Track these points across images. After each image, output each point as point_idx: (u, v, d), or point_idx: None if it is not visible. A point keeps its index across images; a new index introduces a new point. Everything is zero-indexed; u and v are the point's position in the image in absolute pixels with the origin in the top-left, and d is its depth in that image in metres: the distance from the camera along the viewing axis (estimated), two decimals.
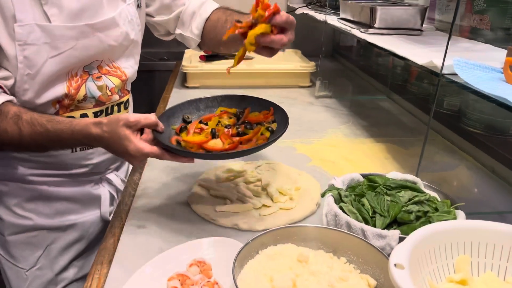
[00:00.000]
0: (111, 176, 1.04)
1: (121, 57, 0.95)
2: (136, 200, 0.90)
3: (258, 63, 1.75)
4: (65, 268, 0.96)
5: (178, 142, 0.79)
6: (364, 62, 2.04)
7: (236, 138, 0.77)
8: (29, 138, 0.77)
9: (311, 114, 1.48)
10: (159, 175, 1.00)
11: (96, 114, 0.94)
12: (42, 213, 0.93)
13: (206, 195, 0.90)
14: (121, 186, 1.04)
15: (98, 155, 0.97)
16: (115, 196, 1.04)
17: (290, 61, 1.83)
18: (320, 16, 1.61)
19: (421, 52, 0.94)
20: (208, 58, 1.79)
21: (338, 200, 0.74)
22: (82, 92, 0.90)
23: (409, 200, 0.72)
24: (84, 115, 0.92)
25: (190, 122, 0.85)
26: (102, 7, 0.87)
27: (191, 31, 1.04)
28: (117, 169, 1.07)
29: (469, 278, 0.58)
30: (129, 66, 0.99)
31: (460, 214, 0.69)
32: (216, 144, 0.77)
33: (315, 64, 1.74)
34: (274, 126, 0.83)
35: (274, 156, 1.10)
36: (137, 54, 1.01)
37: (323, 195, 0.75)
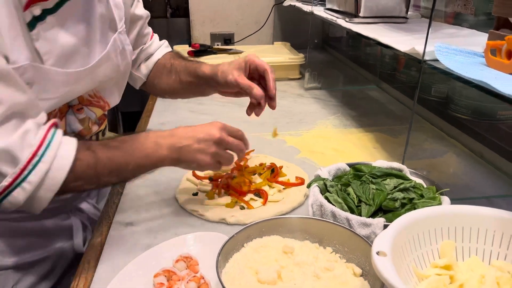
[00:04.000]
0: (83, 205, 0.94)
1: (106, 88, 0.87)
2: (124, 198, 0.90)
3: None
4: None
5: None
6: (353, 52, 2.03)
7: None
8: (106, 159, 0.68)
9: (301, 106, 1.47)
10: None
11: None
12: (5, 251, 0.81)
13: (194, 190, 0.90)
14: (94, 215, 0.95)
15: None
16: (88, 225, 0.94)
17: (279, 53, 1.82)
18: (307, 8, 1.60)
19: (405, 40, 0.93)
20: (196, 53, 1.78)
21: (324, 190, 0.74)
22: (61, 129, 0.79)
23: (395, 187, 0.72)
24: None
25: None
26: (95, 42, 0.78)
27: (140, 69, 1.03)
28: (88, 195, 0.98)
29: (454, 263, 0.58)
30: (114, 97, 0.91)
31: (445, 199, 0.69)
32: None
33: (304, 56, 1.74)
34: None
35: (264, 149, 1.10)
36: (124, 84, 0.94)
37: (308, 185, 0.75)
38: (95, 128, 0.88)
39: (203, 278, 0.63)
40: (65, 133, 0.75)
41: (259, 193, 0.88)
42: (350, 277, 0.59)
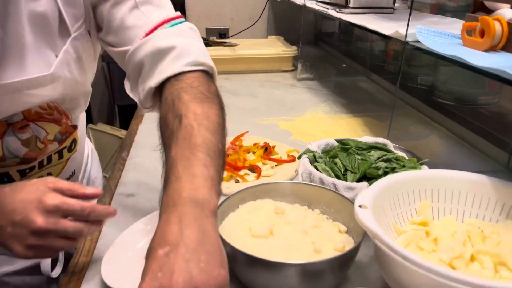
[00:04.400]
0: None
1: (64, 100, 0.72)
2: (125, 174, 0.95)
3: (241, 49, 1.80)
4: None
5: None
6: (345, 47, 2.09)
7: None
8: None
9: (293, 95, 1.53)
10: (148, 152, 1.04)
11: (23, 172, 0.72)
12: None
13: None
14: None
15: None
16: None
17: (272, 46, 1.88)
18: (300, 1, 1.66)
19: (390, 26, 0.99)
20: None
21: (313, 161, 0.79)
22: None
23: (378, 158, 0.78)
24: (4, 175, 0.70)
25: None
26: (23, 50, 0.60)
27: (137, 92, 0.67)
28: None
29: (430, 221, 0.64)
30: (75, 106, 0.75)
31: (425, 168, 0.75)
32: None
33: (297, 49, 1.80)
34: None
35: (257, 133, 1.15)
36: (88, 93, 0.78)
37: (299, 157, 0.81)
38: (52, 147, 0.74)
39: None
40: (4, 158, 0.66)
41: (253, 168, 0.93)
42: (335, 234, 0.64)
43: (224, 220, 0.65)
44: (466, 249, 0.57)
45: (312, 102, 1.44)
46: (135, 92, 0.68)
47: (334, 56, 2.15)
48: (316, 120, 1.26)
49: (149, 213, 0.77)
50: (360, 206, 0.57)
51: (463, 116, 1.14)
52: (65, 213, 0.54)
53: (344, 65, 1.94)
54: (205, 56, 0.65)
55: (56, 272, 0.76)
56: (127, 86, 0.69)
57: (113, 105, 2.61)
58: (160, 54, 0.62)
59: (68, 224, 0.54)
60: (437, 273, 0.46)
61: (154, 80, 0.62)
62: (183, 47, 0.63)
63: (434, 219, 0.66)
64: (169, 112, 0.57)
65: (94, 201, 0.74)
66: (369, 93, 1.57)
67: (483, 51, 0.70)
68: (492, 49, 0.70)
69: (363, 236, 0.58)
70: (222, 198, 0.69)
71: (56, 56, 0.64)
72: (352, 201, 0.66)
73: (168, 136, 0.55)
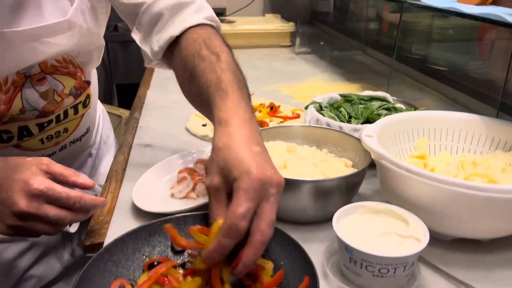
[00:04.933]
0: None
1: (79, 51, 0.74)
2: (140, 129, 1.01)
3: (240, 24, 1.86)
4: (20, 281, 0.79)
5: None
6: (340, 24, 2.15)
7: None
8: None
9: (292, 66, 1.59)
10: (158, 113, 1.10)
11: (41, 126, 0.75)
12: None
13: (203, 122, 1.01)
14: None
15: None
16: None
17: (270, 23, 1.93)
18: None
19: None
20: None
21: (319, 110, 0.86)
22: (17, 106, 0.68)
23: (379, 107, 0.85)
24: (24, 128, 0.72)
25: (181, 251, 0.56)
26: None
27: (150, 42, 0.68)
28: (80, 167, 0.91)
29: (427, 154, 0.71)
30: (91, 60, 0.78)
31: None
32: None
33: (295, 24, 1.85)
34: None
35: (261, 96, 1.21)
36: (101, 47, 0.80)
37: (306, 107, 0.87)
38: (69, 101, 0.76)
39: None
40: (23, 110, 0.67)
41: (261, 124, 0.99)
42: (342, 167, 0.71)
43: None
44: (460, 172, 0.64)
45: (311, 72, 1.51)
46: (147, 43, 0.69)
47: (330, 34, 2.21)
48: (316, 86, 1.33)
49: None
50: (366, 136, 0.64)
51: (455, 80, 1.21)
52: (50, 199, 0.53)
53: (339, 41, 2.01)
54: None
55: (74, 228, 0.81)
56: (136, 37, 0.70)
57: (112, 84, 2.64)
58: (180, 6, 0.67)
59: (51, 210, 0.53)
60: (438, 180, 0.53)
61: (176, 29, 0.65)
62: (201, 3, 0.69)
63: (430, 155, 0.73)
64: (202, 49, 0.60)
65: (104, 175, 0.82)
66: (365, 65, 1.64)
67: (475, 4, 0.77)
68: (483, 3, 0.77)
69: (367, 164, 0.65)
70: None
71: (71, 5, 0.67)
72: (357, 138, 0.73)
73: (207, 66, 0.58)
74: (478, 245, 0.60)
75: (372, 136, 0.64)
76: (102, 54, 0.83)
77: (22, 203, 0.51)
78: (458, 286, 0.54)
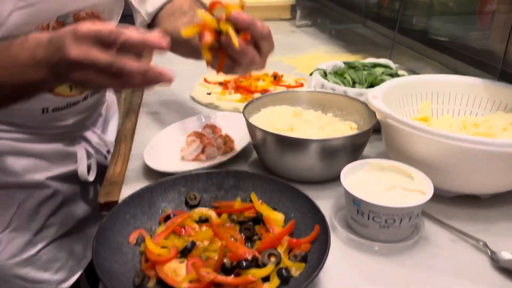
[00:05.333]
0: (88, 133, 0.91)
1: (104, 7, 0.78)
2: (146, 97, 1.02)
3: None
4: (42, 227, 0.84)
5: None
6: None
7: (210, 277, 0.44)
8: None
9: (293, 39, 1.59)
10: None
11: None
12: (9, 170, 0.80)
13: (208, 90, 1.02)
14: (98, 144, 0.92)
15: (72, 116, 0.84)
16: (93, 153, 0.90)
17: None
18: None
19: None
20: None
21: (323, 77, 0.87)
22: None
23: (382, 73, 0.86)
24: None
25: (195, 206, 0.58)
26: None
27: (144, 6, 0.82)
28: (93, 124, 0.95)
29: (430, 117, 0.73)
30: (110, 18, 0.81)
31: None
32: (176, 271, 0.47)
33: None
34: (296, 266, 0.48)
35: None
36: (121, 7, 0.85)
37: (310, 74, 0.89)
38: None
39: (228, 136, 0.77)
40: None
41: (266, 91, 1.01)
42: (347, 130, 0.73)
43: (250, 119, 0.73)
44: (462, 132, 0.66)
45: (312, 44, 1.51)
46: (142, 5, 0.83)
47: (330, 8, 2.20)
48: (318, 57, 1.34)
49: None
50: (373, 97, 0.66)
51: (456, 51, 1.22)
52: (97, 39, 0.50)
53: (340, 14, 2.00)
54: None
55: (92, 177, 0.84)
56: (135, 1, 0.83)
57: None
58: None
59: (101, 55, 0.50)
60: (442, 135, 0.55)
61: None
62: None
63: (433, 118, 0.75)
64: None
65: (111, 139, 0.96)
66: (366, 38, 1.64)
67: None
68: None
69: (372, 126, 0.67)
70: (241, 115, 0.78)
71: None
72: (361, 101, 0.74)
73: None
74: (479, 201, 0.63)
75: (378, 97, 0.66)
76: (120, 16, 0.85)
77: (72, 50, 0.50)
78: (460, 237, 0.56)
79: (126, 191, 0.64)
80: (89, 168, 0.88)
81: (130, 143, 0.81)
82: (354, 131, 0.73)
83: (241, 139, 0.77)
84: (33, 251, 0.82)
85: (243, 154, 0.76)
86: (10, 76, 0.55)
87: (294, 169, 0.66)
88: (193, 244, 0.49)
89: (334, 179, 0.69)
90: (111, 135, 0.98)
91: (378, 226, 0.53)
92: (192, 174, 0.60)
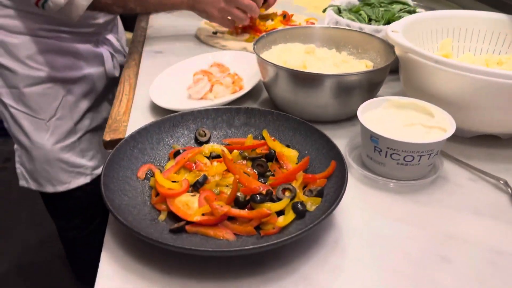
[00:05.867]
0: (109, 36, 1.05)
1: None
2: (148, 38, 0.97)
3: None
4: (81, 118, 1.02)
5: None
6: None
7: (224, 209, 0.42)
8: None
9: None
10: (165, 21, 1.06)
11: None
12: (53, 66, 0.95)
13: (213, 30, 0.98)
14: (117, 45, 1.07)
15: (103, 16, 0.98)
16: (115, 54, 1.06)
17: None
18: None
19: None
20: None
21: (338, 13, 0.82)
22: None
23: (400, 10, 0.81)
24: None
25: (205, 142, 0.56)
26: None
27: None
28: (112, 30, 1.08)
29: (450, 54, 0.69)
30: None
31: None
32: (188, 204, 0.45)
33: None
34: (312, 200, 0.46)
35: (272, 8, 1.16)
36: None
37: (324, 10, 0.84)
38: None
39: (237, 74, 0.73)
40: None
41: None
42: (363, 68, 0.69)
43: (261, 55, 0.69)
44: None
45: None
46: None
47: None
48: None
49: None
50: (392, 31, 0.62)
51: None
52: None
53: None
54: None
55: (117, 73, 1.04)
56: None
57: None
58: None
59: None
60: (468, 69, 0.51)
61: None
62: None
63: (454, 57, 0.71)
64: None
65: None
66: None
67: None
68: None
69: (390, 62, 0.63)
70: (249, 54, 0.75)
71: None
72: (379, 37, 0.70)
73: None
74: (499, 141, 0.60)
75: (398, 31, 0.62)
76: None
77: None
78: (479, 176, 0.54)
79: (132, 129, 0.62)
80: (115, 68, 1.04)
81: (134, 82, 0.78)
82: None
83: (250, 79, 0.73)
84: (74, 138, 0.99)
85: (253, 94, 0.73)
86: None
87: (307, 108, 0.63)
88: (205, 178, 0.47)
89: (348, 118, 0.66)
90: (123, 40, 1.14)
91: (396, 164, 0.51)
92: (201, 110, 0.57)
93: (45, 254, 1.49)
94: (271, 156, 0.52)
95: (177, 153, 0.51)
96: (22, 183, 1.02)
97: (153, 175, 0.49)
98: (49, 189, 0.99)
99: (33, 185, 1.01)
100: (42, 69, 0.94)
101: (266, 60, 0.62)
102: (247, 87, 0.71)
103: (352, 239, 0.45)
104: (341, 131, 0.63)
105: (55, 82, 0.95)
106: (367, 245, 0.44)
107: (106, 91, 1.07)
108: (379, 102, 0.57)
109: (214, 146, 0.52)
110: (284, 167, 0.50)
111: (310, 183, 0.47)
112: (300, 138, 0.54)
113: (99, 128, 1.05)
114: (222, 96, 0.70)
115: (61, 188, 1.00)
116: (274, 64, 0.61)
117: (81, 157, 1.01)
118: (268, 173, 0.50)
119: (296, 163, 0.51)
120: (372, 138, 0.51)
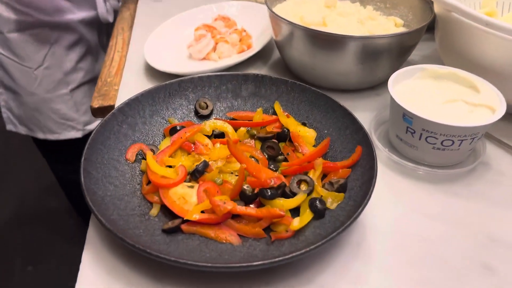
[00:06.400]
0: None
1: None
2: None
3: None
4: (73, 70, 0.96)
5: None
6: None
7: (228, 207, 0.35)
8: None
9: None
10: None
11: None
12: (41, 9, 0.88)
13: None
14: None
15: None
16: None
17: None
18: None
19: None
20: None
21: None
22: None
23: None
24: None
25: (207, 117, 0.48)
26: None
27: None
28: None
29: (494, 12, 0.59)
30: None
31: None
32: (184, 197, 0.38)
33: None
34: (333, 196, 0.38)
35: None
36: None
37: None
38: None
39: (245, 30, 0.64)
40: None
41: None
42: (392, 26, 0.60)
43: (273, 9, 0.59)
44: None
45: None
46: None
47: None
48: None
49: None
50: None
51: None
52: None
53: None
54: None
55: (111, 18, 0.89)
56: None
57: None
58: None
59: None
60: None
61: None
62: None
63: (498, 16, 0.61)
64: None
65: None
66: None
67: None
68: None
69: (427, 22, 0.53)
70: (260, 5, 0.64)
71: None
72: None
73: None
74: None
75: None
76: None
77: None
78: None
79: (124, 95, 0.54)
80: (107, 12, 0.92)
81: (128, 36, 0.69)
82: (400, 28, 0.60)
83: (260, 36, 0.64)
84: (65, 89, 0.93)
85: (263, 54, 0.64)
86: None
87: (327, 74, 0.54)
88: (206, 164, 0.39)
89: (373, 86, 0.58)
90: None
91: (431, 148, 0.43)
92: (202, 77, 0.49)
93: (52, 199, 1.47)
94: (284, 136, 0.44)
95: (173, 130, 0.44)
96: (9, 127, 0.98)
97: (144, 157, 0.41)
98: (40, 135, 0.97)
99: (22, 130, 0.98)
100: (27, 13, 0.87)
101: (279, 16, 0.53)
102: (256, 46, 0.62)
103: (377, 240, 0.38)
104: (365, 102, 0.55)
105: (42, 28, 0.88)
106: (395, 249, 0.38)
107: (101, 41, 0.99)
108: (413, 71, 0.48)
109: (216, 123, 0.44)
110: (300, 151, 0.43)
111: (330, 172, 0.40)
112: (319, 114, 0.46)
113: (96, 80, 0.98)
114: (228, 56, 0.61)
115: (51, 137, 0.97)
116: (289, 22, 0.52)
117: (74, 110, 0.96)
118: (280, 157, 0.43)
119: (314, 145, 0.44)
120: (405, 117, 0.43)
